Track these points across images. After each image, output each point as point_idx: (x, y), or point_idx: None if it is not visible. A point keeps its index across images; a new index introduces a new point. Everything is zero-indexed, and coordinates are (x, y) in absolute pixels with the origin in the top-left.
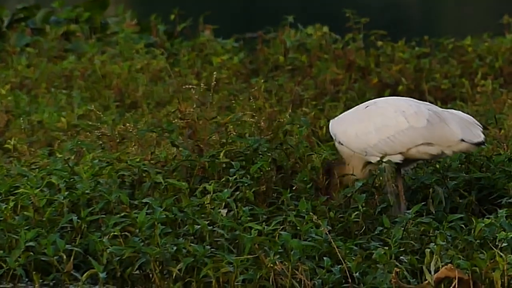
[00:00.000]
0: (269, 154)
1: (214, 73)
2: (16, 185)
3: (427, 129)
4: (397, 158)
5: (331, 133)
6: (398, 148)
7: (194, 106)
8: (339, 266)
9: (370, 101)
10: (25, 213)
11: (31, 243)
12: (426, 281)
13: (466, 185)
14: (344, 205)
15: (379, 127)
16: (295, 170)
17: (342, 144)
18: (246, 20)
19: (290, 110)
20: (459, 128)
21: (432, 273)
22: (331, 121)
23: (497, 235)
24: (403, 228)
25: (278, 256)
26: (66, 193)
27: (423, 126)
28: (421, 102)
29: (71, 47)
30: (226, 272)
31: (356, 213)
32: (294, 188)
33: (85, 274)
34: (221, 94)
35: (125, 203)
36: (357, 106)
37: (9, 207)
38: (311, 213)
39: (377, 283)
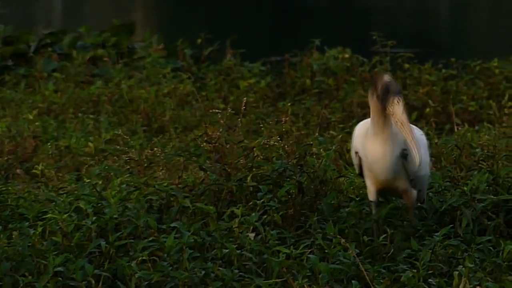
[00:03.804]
0: (294, 177)
1: (244, 98)
2: (44, 210)
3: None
4: None
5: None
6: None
7: (221, 130)
8: None
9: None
10: (53, 238)
11: (59, 268)
12: None
13: (494, 207)
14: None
15: (428, 157)
16: (321, 193)
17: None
18: (272, 44)
19: (317, 134)
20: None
21: None
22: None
23: None
24: (431, 251)
25: (306, 279)
26: (94, 218)
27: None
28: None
29: (98, 72)
30: None
31: (383, 235)
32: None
33: None
34: (248, 118)
35: (153, 227)
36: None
37: (37, 232)
38: (338, 236)
39: None
